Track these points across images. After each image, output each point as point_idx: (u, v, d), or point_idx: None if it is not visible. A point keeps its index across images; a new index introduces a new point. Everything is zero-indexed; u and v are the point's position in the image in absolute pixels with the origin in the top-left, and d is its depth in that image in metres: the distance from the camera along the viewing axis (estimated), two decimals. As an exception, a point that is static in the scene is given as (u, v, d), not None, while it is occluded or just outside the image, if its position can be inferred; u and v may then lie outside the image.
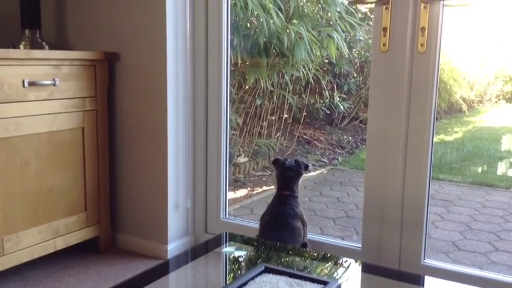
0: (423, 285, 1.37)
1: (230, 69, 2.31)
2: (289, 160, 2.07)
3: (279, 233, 1.90)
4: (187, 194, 2.34)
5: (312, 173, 4.25)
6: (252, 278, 1.11)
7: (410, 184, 1.89)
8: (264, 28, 3.56)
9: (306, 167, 2.06)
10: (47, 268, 2.14)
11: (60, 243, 2.10)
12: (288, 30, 3.72)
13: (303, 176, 2.07)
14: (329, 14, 4.14)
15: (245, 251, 1.56)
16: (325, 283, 1.08)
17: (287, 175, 2.02)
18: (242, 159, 4.09)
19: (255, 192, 3.75)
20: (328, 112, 4.66)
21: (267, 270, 1.15)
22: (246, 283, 1.09)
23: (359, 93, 4.67)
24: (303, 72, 4.06)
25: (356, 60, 4.68)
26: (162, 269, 1.46)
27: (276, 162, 2.08)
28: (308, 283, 1.09)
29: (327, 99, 4.55)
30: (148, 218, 2.29)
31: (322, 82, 4.44)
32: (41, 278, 2.06)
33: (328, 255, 1.63)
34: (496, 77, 4.64)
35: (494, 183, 3.81)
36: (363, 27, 4.40)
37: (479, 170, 4.17)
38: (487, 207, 3.34)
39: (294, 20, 3.86)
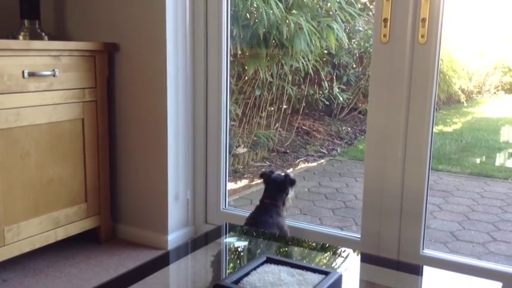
0: (422, 275, 1.38)
1: (230, 60, 2.31)
2: (278, 173, 2.08)
3: None
4: (187, 184, 2.35)
5: (311, 164, 4.26)
6: (254, 268, 1.12)
7: (410, 175, 1.90)
8: (263, 18, 3.55)
9: (292, 183, 2.05)
10: (48, 258, 2.15)
11: (60, 234, 2.11)
12: (287, 21, 3.70)
13: (291, 191, 2.06)
14: (329, 4, 4.12)
15: (245, 241, 1.57)
16: (326, 273, 1.09)
17: (271, 187, 2.04)
18: (241, 150, 4.10)
19: (254, 183, 3.75)
20: (327, 103, 4.65)
21: (269, 261, 1.16)
22: (248, 273, 1.10)
23: (358, 84, 4.67)
24: (302, 63, 4.06)
25: (355, 51, 4.66)
26: (163, 260, 1.47)
27: (262, 175, 2.10)
28: (309, 273, 1.10)
29: (326, 90, 4.55)
30: (148, 209, 2.30)
31: (322, 73, 4.43)
32: (42, 268, 2.07)
33: (327, 245, 1.64)
34: (495, 68, 4.64)
35: (492, 174, 3.83)
36: (362, 17, 4.38)
37: (478, 160, 4.18)
38: (485, 198, 3.36)
39: (294, 11, 3.85)
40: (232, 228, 1.64)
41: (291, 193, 2.08)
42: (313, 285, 1.04)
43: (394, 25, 1.84)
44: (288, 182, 2.05)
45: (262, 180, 2.10)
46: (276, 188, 2.04)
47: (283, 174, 2.09)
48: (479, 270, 1.84)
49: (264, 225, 1.94)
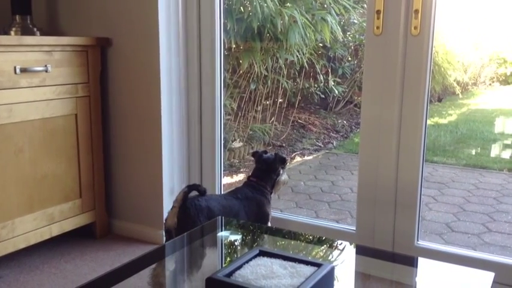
0: (417, 267, 1.38)
1: (224, 54, 2.30)
2: (270, 154, 2.02)
3: (229, 198, 1.86)
4: (182, 179, 2.35)
5: (307, 157, 4.26)
6: (247, 261, 1.12)
7: (404, 167, 1.90)
8: (257, 12, 3.54)
9: (282, 161, 1.99)
10: (43, 254, 2.14)
11: (55, 230, 2.11)
12: (281, 14, 3.69)
13: (283, 169, 2.00)
14: (323, -3, 4.11)
15: (240, 235, 1.57)
16: (318, 265, 1.09)
17: (259, 167, 1.98)
18: (237, 144, 4.09)
19: (250, 176, 3.75)
20: (323, 96, 4.65)
21: (262, 254, 1.16)
22: (241, 266, 1.10)
23: (353, 77, 4.66)
24: (297, 56, 4.05)
25: (350, 44, 4.66)
26: (158, 254, 1.47)
27: (254, 154, 2.05)
28: (302, 265, 1.10)
29: (322, 84, 4.54)
30: (143, 204, 2.30)
31: (317, 66, 4.42)
32: (37, 264, 2.07)
33: (323, 238, 1.65)
34: (490, 60, 4.63)
35: (487, 165, 3.84)
36: (357, 10, 4.37)
37: (473, 152, 4.19)
38: (480, 189, 3.37)
39: (288, 4, 3.83)
40: (228, 222, 1.64)
41: (284, 176, 2.01)
42: (306, 277, 1.05)
43: (387, 17, 1.83)
44: (277, 161, 1.98)
45: (253, 159, 2.03)
46: (265, 169, 1.97)
47: (274, 153, 2.03)
48: (473, 261, 1.85)
49: (242, 197, 1.88)
